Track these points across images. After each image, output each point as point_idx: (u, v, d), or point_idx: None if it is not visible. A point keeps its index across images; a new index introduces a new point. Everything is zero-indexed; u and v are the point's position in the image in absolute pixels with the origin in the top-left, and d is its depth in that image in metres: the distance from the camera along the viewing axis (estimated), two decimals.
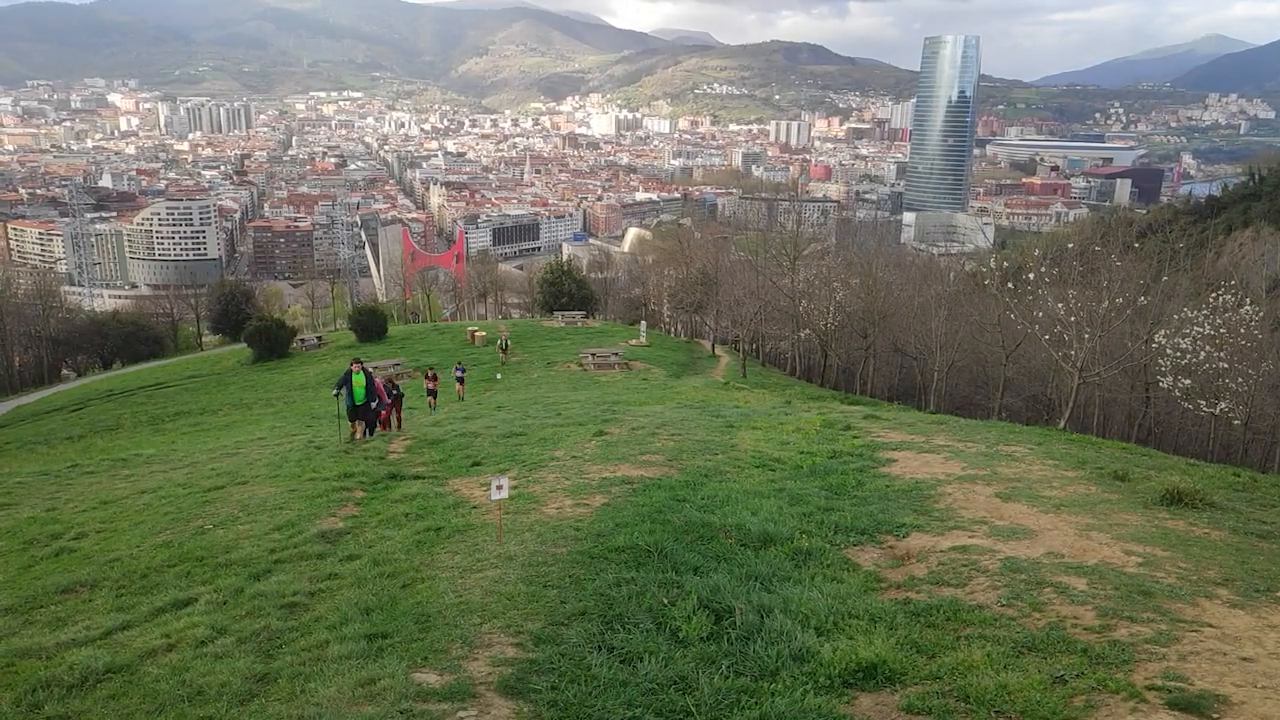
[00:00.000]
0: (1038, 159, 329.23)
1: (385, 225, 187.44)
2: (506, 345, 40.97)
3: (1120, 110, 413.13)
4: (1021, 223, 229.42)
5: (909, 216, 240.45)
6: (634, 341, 45.45)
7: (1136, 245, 33.88)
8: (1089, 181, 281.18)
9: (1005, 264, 35.86)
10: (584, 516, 9.90)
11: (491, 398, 29.14)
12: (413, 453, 15.03)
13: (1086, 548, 8.59)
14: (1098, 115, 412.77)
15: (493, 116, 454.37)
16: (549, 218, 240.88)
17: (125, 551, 10.32)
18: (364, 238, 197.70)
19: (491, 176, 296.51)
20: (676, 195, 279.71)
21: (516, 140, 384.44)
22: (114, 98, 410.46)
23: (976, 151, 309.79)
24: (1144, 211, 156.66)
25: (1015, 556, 8.35)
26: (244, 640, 7.11)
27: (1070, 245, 33.96)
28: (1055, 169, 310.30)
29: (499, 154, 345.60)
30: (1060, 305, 26.76)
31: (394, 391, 20.33)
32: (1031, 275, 30.23)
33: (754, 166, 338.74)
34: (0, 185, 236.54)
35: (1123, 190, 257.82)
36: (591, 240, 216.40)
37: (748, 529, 9.30)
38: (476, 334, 46.21)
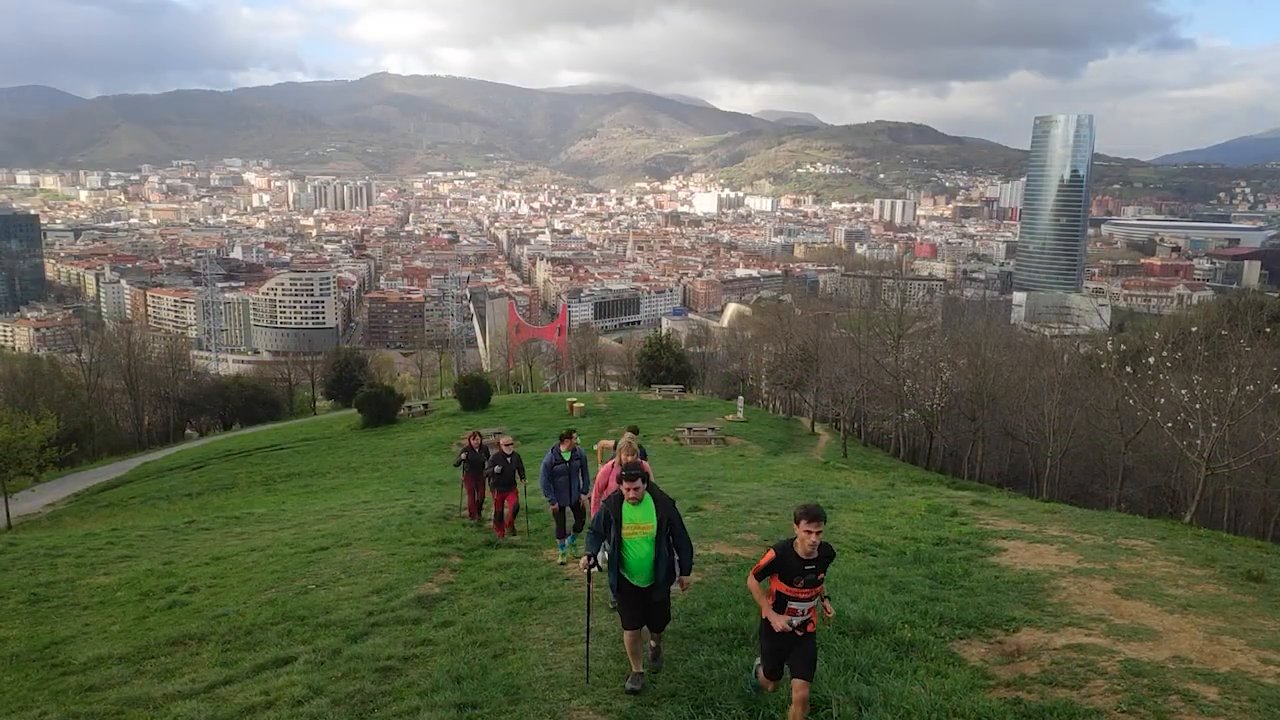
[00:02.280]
0: (1157, 239, 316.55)
1: (492, 298, 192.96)
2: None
3: (1248, 189, 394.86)
4: (1140, 304, 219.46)
5: (1019, 296, 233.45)
6: (731, 417, 45.12)
7: (1267, 330, 31.98)
8: (1214, 263, 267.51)
9: (1123, 347, 34.13)
10: (675, 594, 9.74)
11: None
12: None
13: (1218, 653, 7.96)
14: (1222, 195, 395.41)
15: (599, 196, 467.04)
16: (649, 292, 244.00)
17: (233, 607, 10.68)
18: (472, 310, 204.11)
19: (595, 253, 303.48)
20: (777, 272, 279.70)
21: (621, 218, 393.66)
22: (249, 176, 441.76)
23: (1091, 231, 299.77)
24: (1276, 295, 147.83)
25: (1137, 659, 7.79)
26: (339, 702, 7.21)
27: (1194, 329, 32.16)
28: (1176, 249, 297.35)
29: (604, 231, 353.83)
30: (1184, 392, 25.36)
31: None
32: (1152, 359, 28.81)
33: (857, 244, 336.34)
34: (143, 255, 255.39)
35: (1251, 272, 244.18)
36: (691, 315, 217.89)
37: (846, 616, 8.99)
38: (575, 405, 46.71)
